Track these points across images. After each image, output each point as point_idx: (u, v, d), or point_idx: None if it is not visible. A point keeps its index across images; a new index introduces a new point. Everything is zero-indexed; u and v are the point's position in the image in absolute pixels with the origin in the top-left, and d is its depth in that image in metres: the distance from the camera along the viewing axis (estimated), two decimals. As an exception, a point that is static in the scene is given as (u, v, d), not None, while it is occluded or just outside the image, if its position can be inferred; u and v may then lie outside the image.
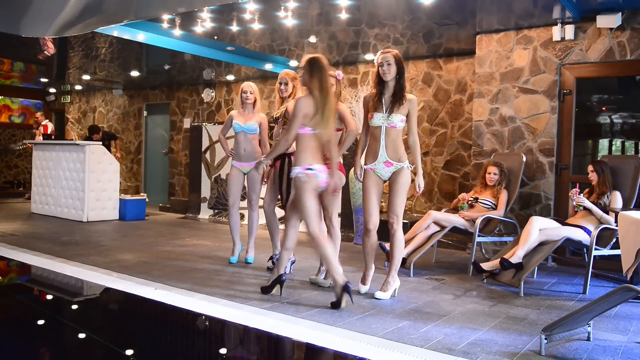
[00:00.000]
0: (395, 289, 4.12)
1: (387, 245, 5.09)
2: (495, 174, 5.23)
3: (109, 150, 8.81)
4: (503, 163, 5.32)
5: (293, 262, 4.87)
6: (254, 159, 5.03)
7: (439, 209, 5.80)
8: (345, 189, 6.78)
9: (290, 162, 4.74)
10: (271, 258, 4.91)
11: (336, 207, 4.34)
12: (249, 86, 5.15)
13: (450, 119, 7.09)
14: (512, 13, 5.71)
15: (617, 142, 5.76)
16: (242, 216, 8.09)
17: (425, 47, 7.22)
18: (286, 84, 4.68)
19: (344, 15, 6.84)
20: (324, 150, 3.88)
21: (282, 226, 6.61)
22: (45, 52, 10.53)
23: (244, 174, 5.15)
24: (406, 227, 6.19)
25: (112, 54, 11.19)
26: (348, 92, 7.31)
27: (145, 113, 11.21)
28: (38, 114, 10.36)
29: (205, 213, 8.55)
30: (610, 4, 5.10)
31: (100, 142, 8.44)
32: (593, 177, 4.74)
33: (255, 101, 5.14)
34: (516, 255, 4.36)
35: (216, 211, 8.42)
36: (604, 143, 5.85)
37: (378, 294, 4.03)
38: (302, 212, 3.86)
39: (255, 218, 5.18)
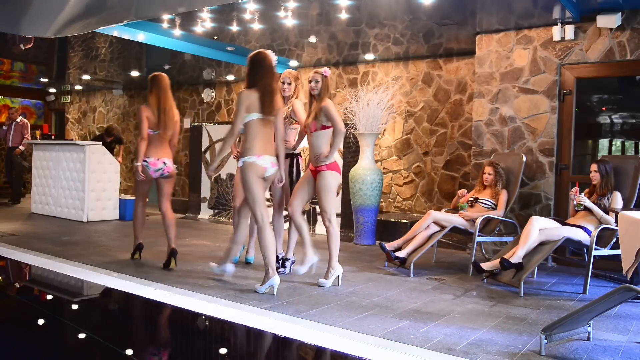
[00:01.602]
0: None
1: (387, 245, 5.10)
2: (490, 173, 5.24)
3: (112, 152, 8.80)
4: (499, 163, 5.32)
5: (293, 262, 4.86)
6: None
7: (439, 209, 5.80)
8: (345, 189, 6.80)
9: (298, 162, 4.76)
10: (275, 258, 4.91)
11: (333, 207, 4.37)
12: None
13: (450, 119, 7.09)
14: (512, 13, 5.71)
15: (617, 142, 5.76)
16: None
17: (425, 47, 7.22)
18: (289, 84, 4.78)
19: (344, 15, 6.84)
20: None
21: (286, 225, 6.60)
22: (22, 45, 10.48)
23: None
24: (406, 227, 6.19)
25: (112, 54, 11.19)
26: (348, 92, 7.31)
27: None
28: (12, 110, 10.11)
29: (205, 213, 8.55)
30: (610, 4, 5.10)
31: (110, 143, 8.47)
32: (595, 177, 4.72)
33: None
34: (516, 255, 4.36)
35: (216, 211, 8.42)
36: (604, 143, 5.85)
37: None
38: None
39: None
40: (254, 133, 4.07)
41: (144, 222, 5.24)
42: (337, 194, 4.81)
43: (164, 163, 4.95)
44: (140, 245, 5.20)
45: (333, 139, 4.25)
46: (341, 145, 4.45)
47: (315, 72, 4.35)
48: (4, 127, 9.83)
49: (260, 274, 4.70)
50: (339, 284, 4.40)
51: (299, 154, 4.76)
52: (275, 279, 4.04)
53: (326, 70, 4.36)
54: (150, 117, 4.90)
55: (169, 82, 5.12)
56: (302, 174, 4.82)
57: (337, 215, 7.00)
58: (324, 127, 4.27)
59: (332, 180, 4.29)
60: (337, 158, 4.58)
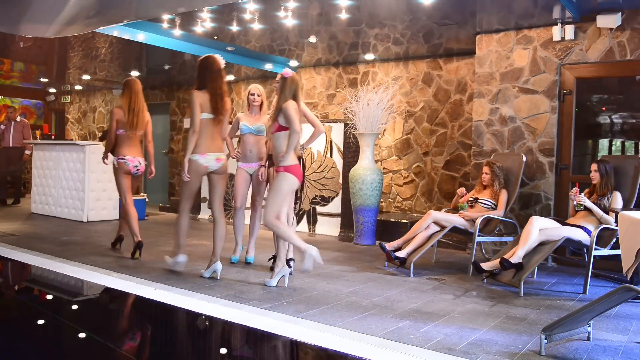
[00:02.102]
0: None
1: (387, 245, 5.10)
2: (487, 173, 5.25)
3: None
4: (496, 162, 5.32)
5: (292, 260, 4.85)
6: (260, 160, 5.06)
7: (439, 209, 5.80)
8: (345, 189, 6.80)
9: (303, 164, 4.78)
10: (273, 257, 4.90)
11: (276, 208, 4.21)
12: (257, 88, 5.15)
13: (450, 119, 7.09)
14: (512, 13, 5.71)
15: (617, 142, 5.76)
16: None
17: (425, 47, 7.22)
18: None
19: (344, 15, 6.83)
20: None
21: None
22: (21, 43, 10.48)
23: (250, 175, 5.13)
24: (406, 227, 6.20)
25: (112, 54, 11.19)
26: (348, 92, 7.31)
27: (145, 113, 11.20)
28: (10, 109, 9.98)
29: (205, 213, 8.55)
30: (610, 4, 5.10)
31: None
32: (595, 177, 4.72)
33: (262, 103, 5.16)
34: (516, 255, 4.36)
35: (216, 211, 8.42)
36: (604, 143, 5.84)
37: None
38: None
39: (257, 218, 5.21)
40: (203, 131, 4.44)
41: (136, 217, 5.38)
42: (299, 197, 4.77)
43: (139, 162, 5.41)
44: (140, 243, 5.28)
45: (288, 140, 4.23)
46: (309, 145, 4.50)
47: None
48: (2, 126, 9.74)
49: (261, 273, 4.70)
50: (285, 284, 4.31)
51: (299, 157, 4.74)
52: (218, 265, 4.49)
53: (287, 72, 4.37)
54: (122, 118, 5.29)
55: (141, 87, 5.44)
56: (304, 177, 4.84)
57: (337, 215, 7.01)
58: (282, 128, 4.25)
59: (283, 182, 4.20)
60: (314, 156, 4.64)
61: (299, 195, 4.79)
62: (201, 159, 4.43)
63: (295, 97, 4.30)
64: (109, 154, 5.54)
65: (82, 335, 3.31)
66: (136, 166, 5.37)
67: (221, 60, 4.53)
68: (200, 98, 4.40)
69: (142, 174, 5.53)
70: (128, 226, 5.34)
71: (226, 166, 4.63)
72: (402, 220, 6.65)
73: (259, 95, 5.11)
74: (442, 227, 5.06)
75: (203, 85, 4.45)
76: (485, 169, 5.28)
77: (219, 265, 4.51)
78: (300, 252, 4.15)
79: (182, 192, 4.61)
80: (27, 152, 9.58)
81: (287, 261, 4.72)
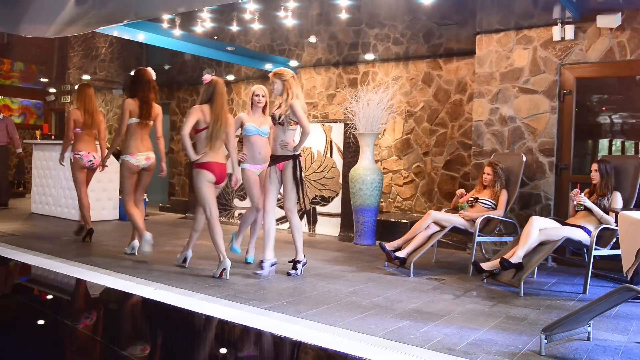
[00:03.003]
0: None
1: (387, 245, 5.10)
2: (489, 174, 5.25)
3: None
4: (499, 163, 5.31)
5: (304, 264, 4.82)
6: (265, 162, 4.99)
7: (439, 209, 5.80)
8: (345, 189, 6.80)
9: (299, 163, 4.70)
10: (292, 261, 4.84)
11: (202, 200, 4.61)
12: (262, 89, 5.08)
13: (450, 119, 7.09)
14: (512, 13, 5.71)
15: (617, 142, 5.76)
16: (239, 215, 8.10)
17: (425, 47, 7.22)
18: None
19: (344, 15, 6.84)
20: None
21: (283, 226, 6.61)
22: None
23: (257, 176, 5.07)
24: (406, 227, 6.19)
25: (112, 54, 11.20)
26: (348, 92, 7.31)
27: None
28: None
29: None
30: (610, 4, 5.11)
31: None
32: (596, 176, 4.72)
33: (266, 104, 5.09)
34: (516, 255, 4.36)
35: (216, 211, 8.41)
36: (604, 143, 5.84)
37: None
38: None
39: (260, 219, 5.13)
40: (132, 134, 5.16)
41: (89, 206, 6.12)
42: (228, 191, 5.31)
43: (94, 157, 6.04)
44: (91, 230, 6.06)
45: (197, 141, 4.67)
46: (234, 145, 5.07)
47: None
48: None
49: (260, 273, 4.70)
50: (227, 277, 4.49)
51: (299, 155, 4.74)
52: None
53: (206, 77, 4.75)
54: (79, 119, 5.93)
55: (93, 91, 6.20)
56: (304, 174, 4.84)
57: (337, 215, 7.01)
58: (198, 131, 4.59)
59: (195, 178, 4.60)
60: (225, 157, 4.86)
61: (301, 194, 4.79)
62: (132, 159, 5.13)
63: (211, 101, 4.57)
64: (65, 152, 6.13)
65: (82, 335, 3.31)
66: (90, 160, 6.01)
67: (152, 73, 5.31)
68: (130, 105, 5.13)
69: (96, 168, 6.11)
70: (82, 215, 6.07)
71: (154, 164, 5.34)
72: (402, 220, 6.65)
73: (263, 96, 5.05)
74: (442, 227, 5.06)
75: (134, 94, 5.20)
76: (488, 170, 5.26)
77: (136, 243, 5.31)
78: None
79: (122, 188, 5.33)
80: (19, 150, 9.29)
81: (295, 263, 4.75)
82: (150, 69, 5.32)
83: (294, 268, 4.73)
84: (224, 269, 4.48)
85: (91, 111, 6.00)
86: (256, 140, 4.99)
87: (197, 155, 4.52)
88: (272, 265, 4.73)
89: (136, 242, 5.34)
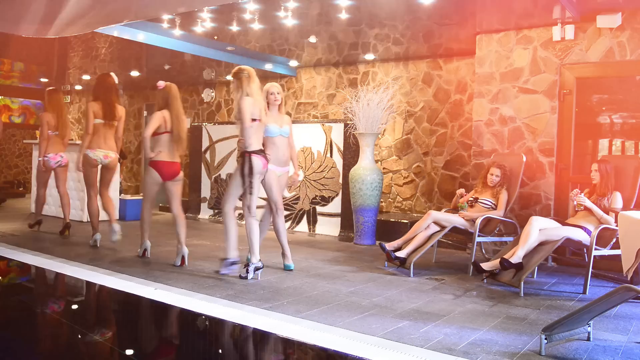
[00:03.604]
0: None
1: (387, 245, 5.10)
2: (497, 175, 5.21)
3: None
4: (506, 165, 5.29)
5: (258, 268, 4.55)
6: (287, 164, 4.94)
7: (439, 209, 5.80)
8: (345, 189, 6.80)
9: (248, 161, 4.46)
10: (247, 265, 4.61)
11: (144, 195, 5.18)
12: (276, 87, 4.91)
13: (450, 119, 7.09)
14: (512, 13, 5.71)
15: (617, 142, 5.76)
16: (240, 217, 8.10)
17: (425, 47, 7.22)
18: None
19: (344, 15, 6.84)
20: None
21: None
22: None
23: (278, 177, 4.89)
24: (406, 227, 6.20)
25: (112, 54, 11.19)
26: (348, 92, 7.31)
27: (145, 113, 11.21)
28: None
29: (205, 213, 8.55)
30: (610, 4, 5.11)
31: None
32: (596, 176, 4.72)
33: (281, 102, 4.90)
34: (516, 255, 4.36)
35: (216, 211, 8.42)
36: (604, 143, 5.84)
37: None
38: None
39: (268, 220, 5.11)
40: (96, 133, 5.65)
41: (44, 202, 6.77)
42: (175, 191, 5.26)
43: (61, 156, 6.42)
44: (40, 220, 6.71)
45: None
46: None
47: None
48: None
49: (261, 273, 4.70)
50: (148, 255, 5.16)
51: (251, 152, 4.47)
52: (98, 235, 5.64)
53: (159, 84, 5.12)
54: (51, 121, 6.33)
55: (62, 96, 6.69)
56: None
57: (337, 215, 7.01)
58: (156, 133, 4.97)
59: (145, 176, 5.12)
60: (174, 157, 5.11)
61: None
62: (91, 154, 5.65)
63: (167, 106, 5.01)
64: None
65: (82, 335, 3.31)
66: (58, 161, 6.42)
67: (114, 77, 5.82)
68: (94, 107, 5.63)
69: (66, 166, 6.55)
70: (37, 209, 6.71)
71: (115, 162, 5.83)
72: (402, 220, 6.65)
73: (279, 94, 4.86)
74: (442, 227, 5.06)
75: (97, 97, 5.69)
76: (496, 171, 5.21)
77: (98, 236, 5.82)
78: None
79: (85, 181, 5.85)
80: None
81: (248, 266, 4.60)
82: (113, 74, 5.88)
83: (246, 271, 4.51)
84: (145, 249, 5.24)
85: (61, 114, 6.41)
86: (279, 141, 4.83)
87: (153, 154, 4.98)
88: (233, 264, 4.59)
89: (98, 235, 5.88)
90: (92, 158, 5.68)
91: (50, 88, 6.62)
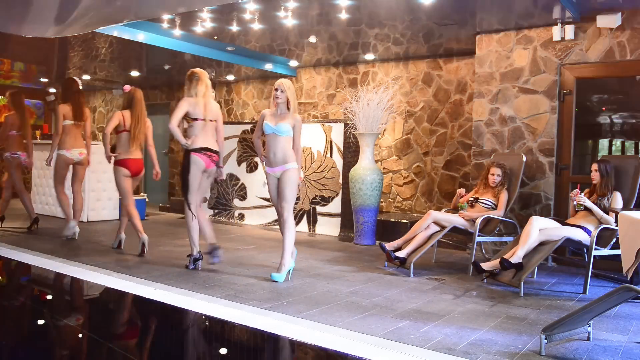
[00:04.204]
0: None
1: (387, 245, 5.10)
2: (498, 175, 5.21)
3: None
4: (506, 165, 5.30)
5: (197, 259, 4.84)
6: (284, 163, 4.54)
7: (439, 209, 5.80)
8: (345, 189, 6.80)
9: (187, 159, 4.71)
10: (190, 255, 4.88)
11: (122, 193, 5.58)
12: (282, 84, 4.57)
13: (450, 119, 7.09)
14: (512, 13, 5.70)
15: (617, 142, 5.76)
16: (241, 216, 8.09)
17: (425, 47, 7.21)
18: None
19: (344, 15, 6.83)
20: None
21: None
22: None
23: (277, 179, 4.62)
24: (406, 227, 6.20)
25: (112, 54, 11.19)
26: (348, 92, 7.31)
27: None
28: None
29: (205, 213, 8.54)
30: (610, 4, 5.10)
31: None
32: (596, 177, 4.72)
33: (288, 100, 4.58)
34: (516, 255, 4.36)
35: (216, 211, 8.42)
36: (604, 143, 5.85)
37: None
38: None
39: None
40: (67, 133, 6.06)
41: (9, 199, 6.93)
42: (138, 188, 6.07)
43: (26, 156, 6.74)
44: (36, 218, 6.89)
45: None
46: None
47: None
48: None
49: (260, 274, 4.70)
50: (122, 247, 5.57)
51: (191, 151, 4.71)
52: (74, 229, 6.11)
53: (125, 87, 5.61)
54: (16, 122, 6.64)
55: (24, 99, 6.98)
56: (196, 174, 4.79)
57: (337, 215, 7.01)
58: (119, 132, 5.45)
59: (114, 171, 5.53)
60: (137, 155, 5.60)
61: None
62: (67, 153, 6.06)
63: (130, 107, 5.51)
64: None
65: (82, 335, 3.31)
66: (25, 159, 6.74)
67: (78, 81, 6.45)
68: (64, 109, 6.07)
69: (29, 165, 6.84)
70: (2, 207, 6.88)
71: (87, 158, 6.25)
72: (402, 220, 6.65)
73: (282, 91, 4.53)
74: (442, 227, 5.06)
75: (66, 100, 6.14)
76: (497, 171, 5.22)
77: (75, 228, 6.22)
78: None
79: (56, 178, 6.20)
80: None
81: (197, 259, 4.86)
82: (77, 78, 6.73)
83: (191, 262, 4.83)
84: (120, 240, 5.71)
85: (24, 115, 6.74)
86: (270, 139, 4.58)
87: (116, 153, 5.45)
88: (196, 260, 4.83)
89: (77, 227, 6.27)
90: (69, 157, 6.09)
91: (13, 91, 6.91)
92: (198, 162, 4.70)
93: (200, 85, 4.82)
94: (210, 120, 4.80)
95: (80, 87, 6.28)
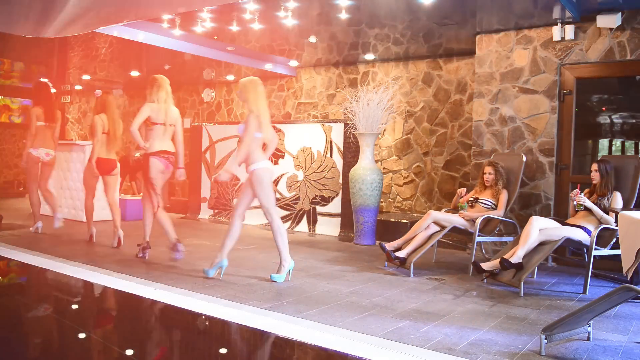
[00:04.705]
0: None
1: (387, 245, 5.10)
2: (490, 173, 5.24)
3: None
4: (499, 162, 5.31)
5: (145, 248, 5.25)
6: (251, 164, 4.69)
7: (439, 209, 5.80)
8: (345, 189, 6.80)
9: (149, 162, 5.03)
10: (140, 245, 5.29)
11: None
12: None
13: (450, 119, 7.09)
14: (512, 13, 5.70)
15: (617, 142, 5.76)
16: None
17: (425, 47, 7.21)
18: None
19: (344, 15, 6.83)
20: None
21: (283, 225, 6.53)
22: None
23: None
24: (406, 227, 6.20)
25: (112, 54, 11.19)
26: (348, 92, 7.31)
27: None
28: None
29: (205, 213, 8.55)
30: (610, 4, 5.10)
31: None
32: (596, 177, 4.72)
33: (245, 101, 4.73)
34: (516, 255, 4.36)
35: (216, 211, 8.42)
36: (604, 143, 5.85)
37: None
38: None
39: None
40: (38, 134, 6.34)
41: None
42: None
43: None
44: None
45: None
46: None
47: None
48: None
49: (261, 274, 4.70)
50: (94, 239, 6.01)
51: (149, 153, 5.03)
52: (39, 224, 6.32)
53: (96, 92, 6.49)
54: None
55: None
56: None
57: (337, 215, 7.01)
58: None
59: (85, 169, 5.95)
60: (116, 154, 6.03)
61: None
62: (34, 152, 6.34)
63: (105, 111, 5.87)
64: None
65: (82, 335, 3.31)
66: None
67: (50, 84, 6.74)
68: (37, 112, 6.36)
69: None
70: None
71: (54, 159, 6.53)
72: (402, 220, 6.65)
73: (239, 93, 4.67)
74: (442, 227, 5.06)
75: (39, 103, 6.44)
76: (489, 169, 5.25)
77: (39, 224, 6.59)
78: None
79: (27, 176, 6.53)
80: None
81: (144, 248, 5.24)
82: (49, 83, 6.86)
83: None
84: (91, 233, 6.07)
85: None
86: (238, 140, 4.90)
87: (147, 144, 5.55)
88: (143, 249, 5.26)
89: (40, 223, 6.59)
90: (36, 156, 6.37)
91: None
92: (157, 164, 5.04)
93: (161, 91, 5.18)
94: (170, 125, 5.15)
95: (52, 90, 6.56)
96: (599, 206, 4.58)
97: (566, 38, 5.49)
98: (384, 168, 7.60)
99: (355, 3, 7.15)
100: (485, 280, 4.63)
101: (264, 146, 4.58)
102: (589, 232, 4.47)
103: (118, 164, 6.09)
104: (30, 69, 12.26)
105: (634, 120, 5.59)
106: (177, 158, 5.22)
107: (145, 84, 5.61)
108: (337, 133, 7.07)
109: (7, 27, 6.03)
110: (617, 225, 4.10)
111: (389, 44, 7.50)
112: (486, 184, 5.28)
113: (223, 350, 3.19)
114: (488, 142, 6.00)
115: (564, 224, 4.64)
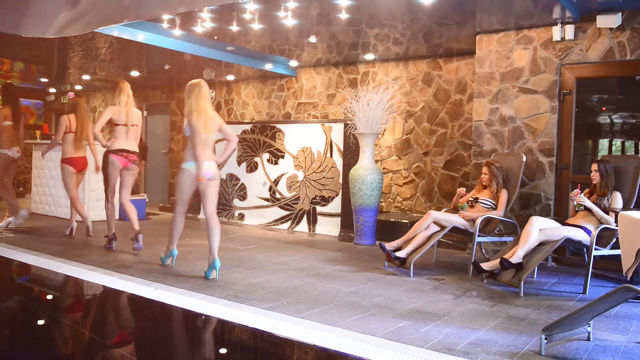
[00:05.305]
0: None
1: (387, 245, 5.10)
2: (485, 173, 5.26)
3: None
4: (495, 163, 5.31)
5: (112, 240, 5.68)
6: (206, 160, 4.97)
7: (439, 209, 5.80)
8: (345, 189, 6.80)
9: (107, 157, 5.52)
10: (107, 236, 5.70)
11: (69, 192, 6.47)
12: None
13: (450, 119, 7.09)
14: (512, 13, 5.71)
15: (617, 142, 5.76)
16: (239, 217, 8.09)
17: (425, 47, 7.22)
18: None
19: (344, 15, 6.83)
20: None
21: (283, 226, 6.62)
22: None
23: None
24: (406, 227, 6.20)
25: (112, 54, 11.20)
26: (348, 92, 7.31)
27: (145, 113, 11.22)
28: None
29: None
30: (610, 4, 5.10)
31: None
32: (596, 176, 4.72)
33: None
34: (516, 255, 4.36)
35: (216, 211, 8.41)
36: (604, 143, 5.85)
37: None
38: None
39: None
40: (7, 133, 6.62)
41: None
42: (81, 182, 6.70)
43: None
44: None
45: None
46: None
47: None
48: None
49: (260, 274, 4.70)
50: (73, 233, 6.38)
51: (108, 151, 5.51)
52: None
53: (70, 94, 6.63)
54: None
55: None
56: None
57: (337, 215, 7.01)
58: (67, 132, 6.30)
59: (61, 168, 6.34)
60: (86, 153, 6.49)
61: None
62: (8, 152, 6.62)
63: (74, 112, 6.31)
64: None
65: (82, 335, 3.31)
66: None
67: (16, 86, 7.53)
68: (4, 112, 6.67)
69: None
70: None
71: (20, 157, 6.81)
72: (402, 220, 6.65)
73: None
74: (442, 227, 5.06)
75: (6, 103, 6.83)
76: (484, 169, 5.28)
77: (12, 219, 6.83)
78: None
79: None
80: None
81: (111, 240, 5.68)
82: (15, 84, 7.63)
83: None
84: (72, 227, 6.52)
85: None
86: None
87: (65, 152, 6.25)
88: (110, 240, 5.68)
89: (12, 218, 6.83)
90: (10, 156, 6.71)
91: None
92: (114, 161, 5.48)
93: (123, 95, 5.59)
94: (132, 125, 5.59)
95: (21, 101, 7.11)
96: (599, 206, 4.58)
97: (566, 38, 5.49)
98: (384, 168, 7.60)
99: (355, 3, 7.16)
100: (485, 280, 4.63)
101: (226, 145, 4.85)
102: (589, 232, 4.47)
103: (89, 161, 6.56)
104: (30, 69, 12.27)
105: (634, 120, 5.59)
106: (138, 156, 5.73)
107: (145, 84, 5.62)
108: (337, 133, 7.07)
109: (7, 27, 6.03)
110: (617, 225, 4.10)
111: (389, 44, 7.50)
112: (484, 184, 5.30)
113: (223, 350, 3.19)
114: (488, 142, 6.00)
115: (564, 224, 4.64)
